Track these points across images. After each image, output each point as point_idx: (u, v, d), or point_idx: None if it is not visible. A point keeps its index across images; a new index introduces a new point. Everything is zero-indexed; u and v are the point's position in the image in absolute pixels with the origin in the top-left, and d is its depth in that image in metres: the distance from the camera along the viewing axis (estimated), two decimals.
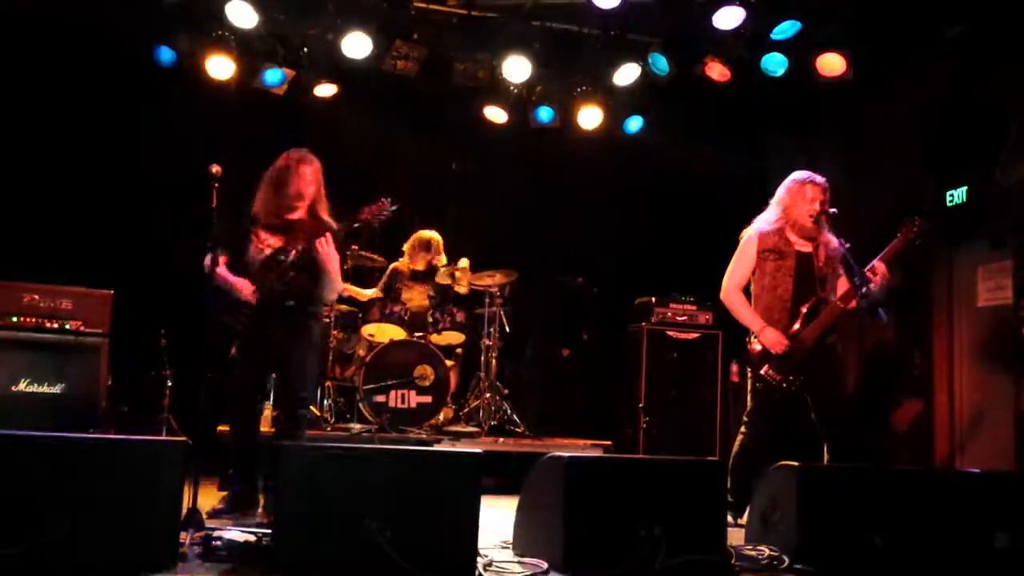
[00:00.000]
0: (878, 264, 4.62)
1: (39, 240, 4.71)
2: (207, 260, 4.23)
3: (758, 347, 4.78)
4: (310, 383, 4.65)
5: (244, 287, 4.34)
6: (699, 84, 6.77)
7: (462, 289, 7.08)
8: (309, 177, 4.48)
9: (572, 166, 7.96)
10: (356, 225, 4.59)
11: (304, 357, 4.50)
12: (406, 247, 7.21)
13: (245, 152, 6.33)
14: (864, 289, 4.54)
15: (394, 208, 4.53)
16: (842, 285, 4.79)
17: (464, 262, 7.00)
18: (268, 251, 4.42)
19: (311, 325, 4.57)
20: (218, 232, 4.22)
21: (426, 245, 7.12)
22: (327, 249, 4.38)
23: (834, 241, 4.80)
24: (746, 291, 4.95)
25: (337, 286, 4.72)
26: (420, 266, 7.15)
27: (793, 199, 4.83)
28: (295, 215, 4.50)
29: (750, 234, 4.93)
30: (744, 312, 4.87)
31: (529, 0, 6.93)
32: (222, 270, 4.29)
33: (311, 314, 4.57)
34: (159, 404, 5.56)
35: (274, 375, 4.76)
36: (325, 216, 4.57)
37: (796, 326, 4.72)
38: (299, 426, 4.49)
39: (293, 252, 4.38)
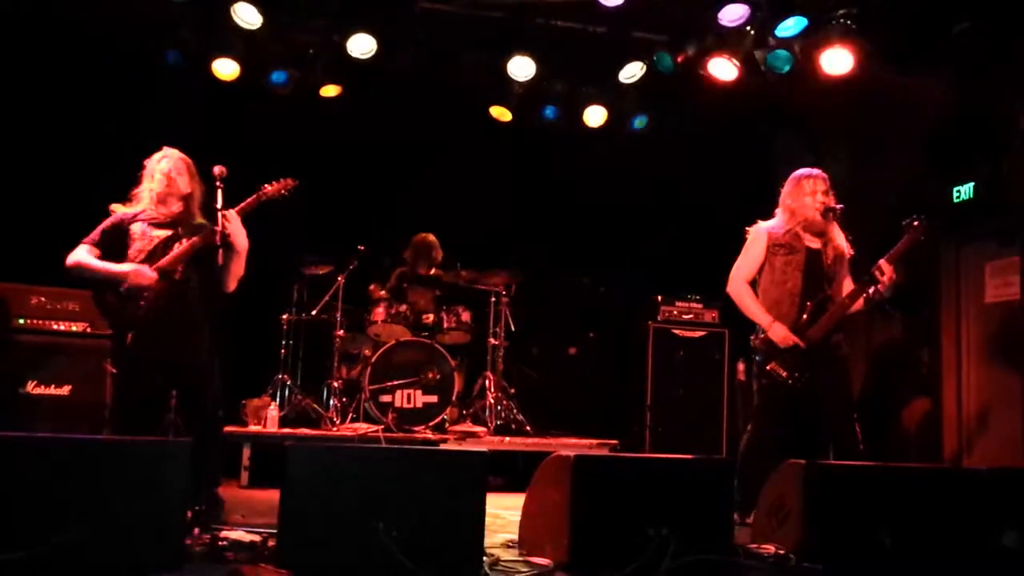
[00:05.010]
0: (884, 264, 4.62)
1: (45, 242, 4.76)
2: (80, 253, 4.31)
3: (763, 343, 4.78)
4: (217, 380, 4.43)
5: (142, 271, 4.29)
6: (704, 82, 6.75)
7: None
8: (186, 172, 4.50)
9: (577, 164, 7.94)
10: (263, 200, 4.57)
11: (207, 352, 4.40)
12: (407, 252, 7.24)
13: (250, 153, 6.34)
14: (872, 290, 4.60)
15: (295, 185, 4.63)
16: (848, 284, 4.85)
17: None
18: (157, 242, 4.39)
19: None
20: (102, 228, 4.39)
21: (425, 247, 7.17)
22: (237, 227, 4.34)
23: (843, 242, 4.86)
24: (752, 285, 4.94)
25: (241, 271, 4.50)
26: (423, 269, 7.17)
27: (797, 197, 4.86)
28: (178, 209, 4.48)
29: (760, 229, 4.94)
30: (752, 306, 4.86)
31: None
32: (100, 262, 4.33)
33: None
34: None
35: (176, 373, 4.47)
36: (198, 210, 4.54)
37: (803, 320, 4.72)
38: (219, 431, 4.50)
39: (184, 240, 4.38)
